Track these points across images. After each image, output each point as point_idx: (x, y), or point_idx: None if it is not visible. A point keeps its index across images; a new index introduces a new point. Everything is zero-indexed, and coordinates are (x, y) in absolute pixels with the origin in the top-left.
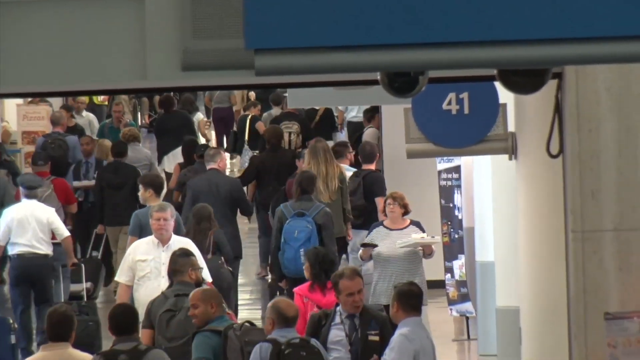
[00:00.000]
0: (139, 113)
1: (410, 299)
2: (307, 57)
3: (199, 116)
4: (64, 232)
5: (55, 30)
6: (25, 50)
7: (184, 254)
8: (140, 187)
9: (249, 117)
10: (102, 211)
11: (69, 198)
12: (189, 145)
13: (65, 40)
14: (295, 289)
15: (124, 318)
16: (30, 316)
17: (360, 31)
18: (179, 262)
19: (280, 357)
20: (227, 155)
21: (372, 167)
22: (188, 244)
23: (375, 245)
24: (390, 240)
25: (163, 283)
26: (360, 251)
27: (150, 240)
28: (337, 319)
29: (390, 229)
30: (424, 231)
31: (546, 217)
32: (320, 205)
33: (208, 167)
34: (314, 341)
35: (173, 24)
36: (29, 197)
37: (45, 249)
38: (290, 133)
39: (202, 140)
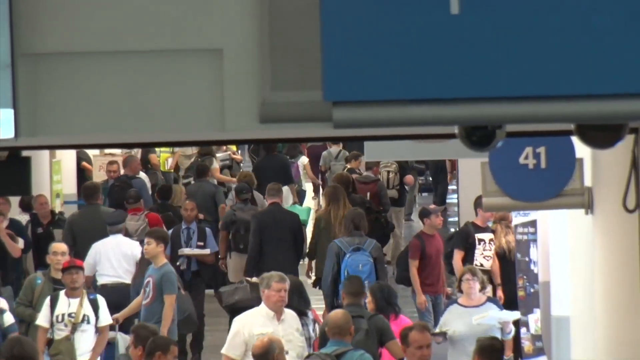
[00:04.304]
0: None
1: (492, 353)
2: (385, 110)
3: (304, 160)
4: None
5: (132, 82)
6: (101, 100)
7: (359, 282)
8: (152, 241)
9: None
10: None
11: None
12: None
13: (142, 92)
14: None
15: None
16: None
17: (438, 84)
18: (357, 286)
19: None
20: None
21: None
22: (295, 317)
23: (444, 334)
24: (467, 317)
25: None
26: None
27: (263, 312)
28: None
29: (466, 307)
30: (501, 309)
31: (623, 272)
32: (372, 240)
33: (270, 200)
34: None
35: (251, 75)
36: (111, 232)
37: (129, 279)
38: (389, 172)
39: (306, 183)
